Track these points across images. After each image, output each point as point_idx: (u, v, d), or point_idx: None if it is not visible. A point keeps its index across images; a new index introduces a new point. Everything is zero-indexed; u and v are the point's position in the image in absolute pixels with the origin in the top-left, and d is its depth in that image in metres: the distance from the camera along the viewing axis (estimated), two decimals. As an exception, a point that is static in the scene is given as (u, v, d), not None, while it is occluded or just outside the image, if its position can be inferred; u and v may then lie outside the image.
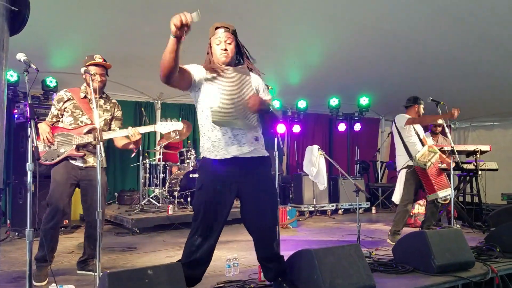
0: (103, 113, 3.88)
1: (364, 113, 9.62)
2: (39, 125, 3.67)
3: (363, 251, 3.31)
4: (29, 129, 2.55)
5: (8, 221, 5.95)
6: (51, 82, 6.86)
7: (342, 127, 9.90)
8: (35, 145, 2.50)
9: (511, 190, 8.85)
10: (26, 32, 2.65)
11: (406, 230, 5.48)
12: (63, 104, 3.77)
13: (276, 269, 3.06)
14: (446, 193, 5.17)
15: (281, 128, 9.04)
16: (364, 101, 9.29)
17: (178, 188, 6.84)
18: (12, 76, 6.46)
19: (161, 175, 7.19)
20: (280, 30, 6.09)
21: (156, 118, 8.72)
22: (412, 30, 6.04)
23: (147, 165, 7.38)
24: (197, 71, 2.94)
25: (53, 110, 3.78)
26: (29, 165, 2.49)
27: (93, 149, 3.76)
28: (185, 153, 7.32)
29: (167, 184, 7.17)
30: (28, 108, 2.58)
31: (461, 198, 6.80)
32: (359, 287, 2.95)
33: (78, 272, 3.86)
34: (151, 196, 7.23)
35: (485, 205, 7.19)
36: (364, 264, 3.09)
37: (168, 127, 3.84)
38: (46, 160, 3.69)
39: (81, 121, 3.78)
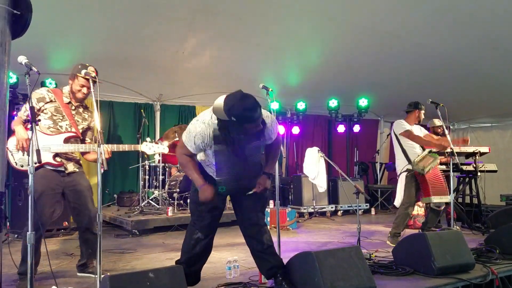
0: (82, 122, 3.78)
1: (363, 114, 9.63)
2: (16, 128, 3.48)
3: (363, 253, 3.32)
4: (30, 132, 2.54)
5: (8, 223, 5.93)
6: (50, 84, 6.86)
7: (341, 128, 9.91)
8: (37, 148, 2.49)
9: (510, 191, 8.86)
10: (26, 34, 2.65)
11: (406, 232, 5.48)
12: (43, 105, 3.59)
13: (272, 261, 3.16)
14: (440, 200, 5.15)
15: (280, 130, 9.04)
16: (363, 102, 9.29)
17: (178, 190, 6.83)
18: (11, 77, 6.44)
19: (161, 177, 7.19)
20: (280, 31, 6.09)
21: (155, 119, 8.72)
22: (411, 32, 6.05)
23: (147, 166, 7.37)
24: (201, 148, 2.99)
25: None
26: (30, 168, 2.49)
27: (71, 156, 3.72)
28: (184, 154, 7.30)
29: (166, 186, 7.17)
30: (29, 111, 2.58)
31: (460, 200, 6.81)
32: (360, 289, 2.95)
33: (79, 274, 3.86)
34: (150, 198, 7.22)
35: (484, 206, 7.19)
36: (364, 266, 3.09)
37: (153, 149, 3.89)
38: (22, 166, 3.53)
39: (61, 126, 3.64)
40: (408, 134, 5.34)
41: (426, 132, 5.69)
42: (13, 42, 2.53)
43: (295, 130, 9.70)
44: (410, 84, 8.01)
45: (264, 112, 2.93)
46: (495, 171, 7.00)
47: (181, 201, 6.90)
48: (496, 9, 5.36)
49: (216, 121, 2.84)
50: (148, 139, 3.98)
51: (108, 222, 6.74)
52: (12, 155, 3.55)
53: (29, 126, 3.54)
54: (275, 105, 4.17)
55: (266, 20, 5.74)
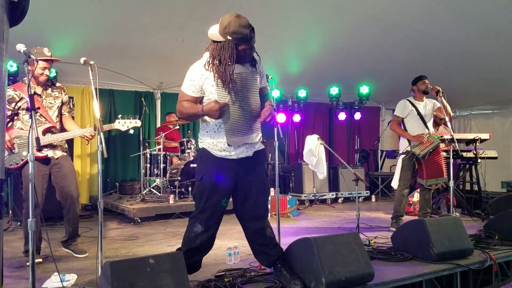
0: (54, 101, 3.95)
1: (364, 102, 9.60)
2: None
3: (362, 239, 3.34)
4: (30, 120, 2.56)
5: (10, 211, 5.99)
6: (50, 71, 6.84)
7: (342, 116, 9.90)
8: (36, 135, 2.51)
9: (510, 178, 8.87)
10: (25, 22, 2.64)
11: (406, 218, 5.51)
12: (15, 104, 3.76)
13: (273, 254, 3.15)
14: (435, 181, 5.19)
15: (281, 118, 9.05)
16: (364, 90, 9.26)
17: (179, 178, 6.86)
18: (11, 66, 6.47)
19: (162, 165, 7.21)
20: (280, 19, 6.07)
21: (156, 107, 8.73)
22: (412, 20, 6.02)
23: (148, 154, 7.39)
24: (199, 85, 2.89)
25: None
26: (31, 156, 2.50)
27: (56, 143, 3.89)
28: (185, 143, 7.33)
29: (167, 174, 7.19)
30: (29, 98, 2.59)
31: (460, 186, 6.82)
32: (358, 275, 2.98)
33: (63, 249, 4.11)
34: (152, 186, 7.26)
35: (485, 193, 7.21)
36: (363, 252, 3.11)
37: (127, 125, 3.93)
38: (11, 165, 3.72)
39: (40, 115, 3.81)
40: (394, 119, 5.50)
41: (438, 105, 5.59)
42: (12, 30, 2.52)
43: (296, 118, 9.70)
44: (411, 72, 7.91)
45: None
46: (495, 158, 7.00)
47: (182, 189, 6.94)
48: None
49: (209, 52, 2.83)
50: (119, 116, 3.98)
51: (110, 210, 6.79)
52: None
53: (9, 125, 3.78)
54: (276, 93, 4.17)
55: (267, 8, 5.72)
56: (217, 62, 2.80)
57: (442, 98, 5.21)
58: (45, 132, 3.83)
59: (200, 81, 2.87)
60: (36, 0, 2.66)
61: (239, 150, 2.99)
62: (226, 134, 2.92)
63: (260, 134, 3.10)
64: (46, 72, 3.79)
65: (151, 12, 5.64)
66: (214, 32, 2.79)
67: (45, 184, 3.87)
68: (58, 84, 4.05)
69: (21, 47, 2.80)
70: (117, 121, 3.92)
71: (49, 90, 3.95)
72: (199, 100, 2.95)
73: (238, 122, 2.92)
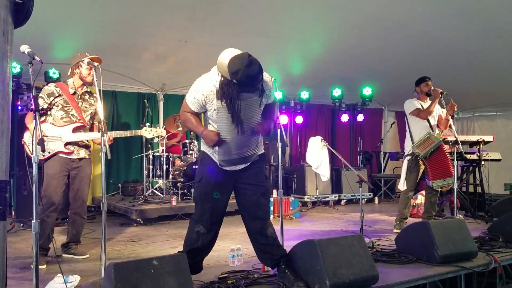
0: (89, 107, 4.11)
1: (367, 103, 9.59)
2: (30, 126, 3.82)
3: (366, 242, 3.33)
4: (33, 121, 2.56)
5: (13, 212, 5.99)
6: (53, 73, 6.87)
7: (345, 117, 9.86)
8: (40, 137, 2.51)
9: (514, 180, 8.83)
10: (28, 23, 2.65)
11: (409, 220, 5.49)
12: (53, 99, 3.93)
13: (276, 254, 3.15)
14: (442, 183, 5.14)
15: (283, 119, 9.04)
16: (367, 91, 9.25)
17: (182, 179, 6.86)
18: (14, 67, 6.47)
19: (165, 166, 7.21)
20: (283, 20, 6.06)
21: (159, 109, 8.72)
22: (415, 20, 6.01)
23: (151, 156, 7.39)
24: (202, 104, 2.98)
25: (42, 103, 3.88)
26: (35, 157, 2.50)
27: (82, 143, 4.05)
28: (188, 144, 7.32)
29: (170, 175, 7.19)
30: (32, 100, 2.60)
31: (464, 188, 6.80)
32: (362, 277, 2.96)
33: (64, 255, 4.10)
34: (154, 187, 7.25)
35: (488, 195, 7.18)
36: (367, 255, 3.10)
37: (152, 133, 4.21)
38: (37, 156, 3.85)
39: (72, 115, 3.98)
40: (417, 112, 5.39)
41: (443, 110, 5.60)
42: (16, 31, 2.53)
43: (299, 119, 9.68)
44: (414, 73, 7.89)
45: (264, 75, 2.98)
46: (499, 160, 6.97)
47: (185, 191, 6.93)
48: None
49: (219, 78, 2.89)
50: (147, 124, 4.27)
51: (113, 211, 6.78)
52: (27, 147, 3.89)
53: (43, 119, 3.94)
54: (278, 95, 4.17)
55: (269, 8, 5.71)
56: (223, 93, 2.86)
57: (451, 121, 5.34)
58: (75, 130, 3.96)
59: (203, 102, 2.96)
60: (39, 1, 2.66)
61: (233, 165, 3.09)
62: (218, 155, 3.04)
63: (257, 152, 3.18)
64: (93, 72, 3.87)
65: (154, 12, 5.64)
66: (223, 63, 2.80)
67: (64, 185, 3.96)
68: (95, 95, 4.14)
69: (25, 48, 2.80)
70: (144, 128, 4.20)
71: (87, 96, 4.13)
72: (201, 113, 3.10)
73: (230, 150, 3.02)
